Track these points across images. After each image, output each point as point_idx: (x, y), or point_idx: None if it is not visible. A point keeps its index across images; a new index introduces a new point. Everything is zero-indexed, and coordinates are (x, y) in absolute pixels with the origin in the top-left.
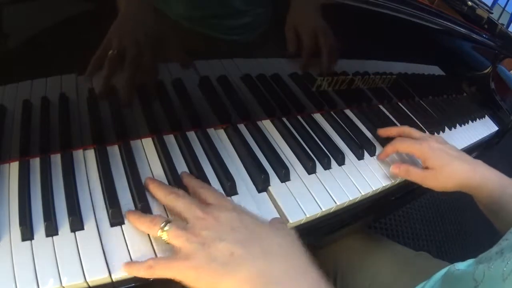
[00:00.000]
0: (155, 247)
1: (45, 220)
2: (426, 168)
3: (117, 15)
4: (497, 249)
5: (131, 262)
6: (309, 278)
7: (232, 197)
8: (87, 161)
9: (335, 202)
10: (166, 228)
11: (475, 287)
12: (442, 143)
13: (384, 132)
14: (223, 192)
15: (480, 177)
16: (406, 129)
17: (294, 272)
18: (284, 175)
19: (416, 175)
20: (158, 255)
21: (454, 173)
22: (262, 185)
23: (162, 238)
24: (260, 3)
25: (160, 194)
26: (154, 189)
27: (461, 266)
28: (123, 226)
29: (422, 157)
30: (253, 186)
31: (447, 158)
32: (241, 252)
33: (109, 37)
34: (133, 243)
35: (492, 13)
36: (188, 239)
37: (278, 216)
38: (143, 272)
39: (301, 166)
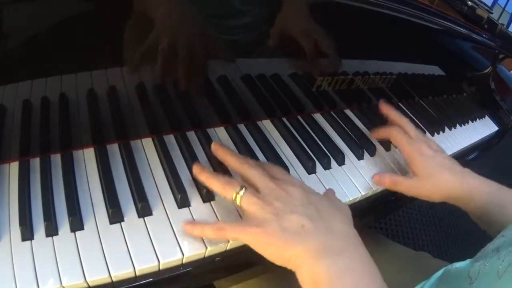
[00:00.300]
0: (155, 247)
1: (45, 220)
2: (413, 173)
3: (117, 15)
4: (492, 247)
5: (194, 222)
6: (361, 251)
7: None
8: (87, 161)
9: None
10: (241, 193)
11: (470, 284)
12: (433, 150)
13: (386, 110)
14: None
15: (467, 188)
16: (405, 122)
17: (349, 246)
18: None
19: (402, 186)
20: (159, 255)
21: (441, 185)
22: None
23: (235, 202)
24: (260, 2)
25: (233, 161)
26: (225, 155)
27: (458, 265)
28: (123, 225)
29: (409, 159)
30: None
31: (435, 167)
32: (310, 226)
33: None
34: (133, 243)
35: (492, 13)
36: (262, 207)
37: None
38: (210, 232)
39: (301, 166)
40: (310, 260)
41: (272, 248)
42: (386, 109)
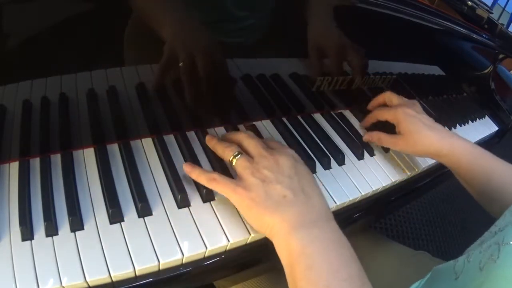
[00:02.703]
0: (155, 247)
1: (45, 220)
2: (399, 132)
3: (117, 14)
4: (479, 241)
5: (194, 165)
6: (332, 225)
7: None
8: (87, 161)
9: (335, 202)
10: (237, 157)
11: (455, 279)
12: (416, 111)
13: (371, 105)
14: None
15: (447, 145)
16: (387, 94)
17: (322, 220)
18: None
19: (386, 141)
20: (159, 255)
21: (423, 140)
22: None
23: (232, 164)
24: (262, 7)
25: (232, 134)
26: (229, 134)
27: (446, 263)
28: (123, 225)
29: (395, 121)
30: None
31: (418, 125)
32: (291, 197)
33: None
34: (133, 243)
35: (492, 13)
36: (252, 173)
37: None
38: (204, 180)
39: None
40: (286, 230)
41: (253, 211)
42: (371, 105)
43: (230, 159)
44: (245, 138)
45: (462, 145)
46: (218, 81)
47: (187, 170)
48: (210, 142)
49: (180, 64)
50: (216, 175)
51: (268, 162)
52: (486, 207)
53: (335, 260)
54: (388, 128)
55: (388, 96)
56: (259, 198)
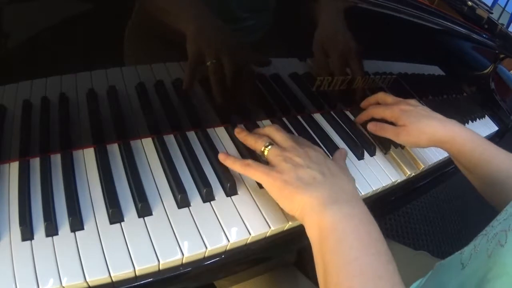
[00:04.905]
0: (155, 247)
1: (45, 220)
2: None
3: (117, 14)
4: (484, 232)
5: (228, 155)
6: (361, 205)
7: (232, 197)
8: (87, 161)
9: None
10: (269, 147)
11: (462, 269)
12: (412, 105)
13: (364, 104)
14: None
15: (450, 131)
16: (380, 95)
17: (352, 200)
18: None
19: (390, 132)
20: (159, 255)
21: (424, 128)
22: (261, 185)
23: (264, 154)
24: (262, 8)
25: (265, 128)
26: (258, 129)
27: (450, 257)
28: (123, 225)
29: (394, 119)
30: (255, 185)
31: (417, 116)
32: (321, 179)
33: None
34: (133, 243)
35: (492, 13)
36: (284, 159)
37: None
38: (238, 166)
39: None
40: (316, 208)
41: (285, 192)
42: (365, 104)
43: (262, 150)
44: (275, 131)
45: (464, 131)
46: (235, 79)
47: (222, 158)
48: (240, 134)
49: (208, 64)
50: (250, 161)
51: (298, 151)
52: (487, 198)
53: (365, 236)
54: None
55: (381, 97)
56: (290, 179)
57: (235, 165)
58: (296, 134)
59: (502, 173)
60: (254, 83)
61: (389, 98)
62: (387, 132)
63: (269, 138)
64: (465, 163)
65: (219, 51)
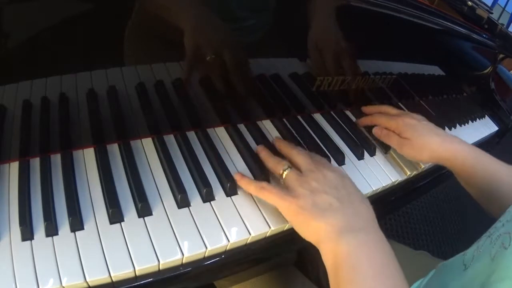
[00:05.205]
0: (155, 247)
1: (45, 220)
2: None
3: (117, 14)
4: (487, 233)
5: (243, 176)
6: (378, 233)
7: (232, 197)
8: (87, 161)
9: None
10: (287, 170)
11: (464, 270)
12: (416, 119)
13: (367, 110)
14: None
15: (451, 149)
16: (385, 107)
17: (369, 227)
18: None
19: (394, 141)
20: (159, 255)
21: (426, 145)
22: None
23: (282, 177)
24: (262, 8)
25: (286, 147)
26: (280, 144)
27: (453, 258)
28: (123, 225)
29: (397, 131)
30: None
31: (421, 131)
32: (337, 205)
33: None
34: (133, 243)
35: (492, 13)
36: (301, 184)
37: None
38: (253, 188)
39: None
40: (332, 235)
41: (300, 218)
42: (368, 110)
43: (281, 173)
44: (295, 154)
45: (465, 149)
46: (235, 77)
47: (237, 178)
48: (261, 152)
49: (208, 58)
50: (265, 184)
51: (316, 175)
52: (485, 206)
53: (379, 263)
54: None
55: (385, 109)
56: (306, 205)
57: (250, 187)
58: (296, 134)
59: (504, 187)
60: (254, 82)
61: (393, 110)
62: (391, 140)
63: (288, 161)
64: (467, 179)
65: (218, 49)
